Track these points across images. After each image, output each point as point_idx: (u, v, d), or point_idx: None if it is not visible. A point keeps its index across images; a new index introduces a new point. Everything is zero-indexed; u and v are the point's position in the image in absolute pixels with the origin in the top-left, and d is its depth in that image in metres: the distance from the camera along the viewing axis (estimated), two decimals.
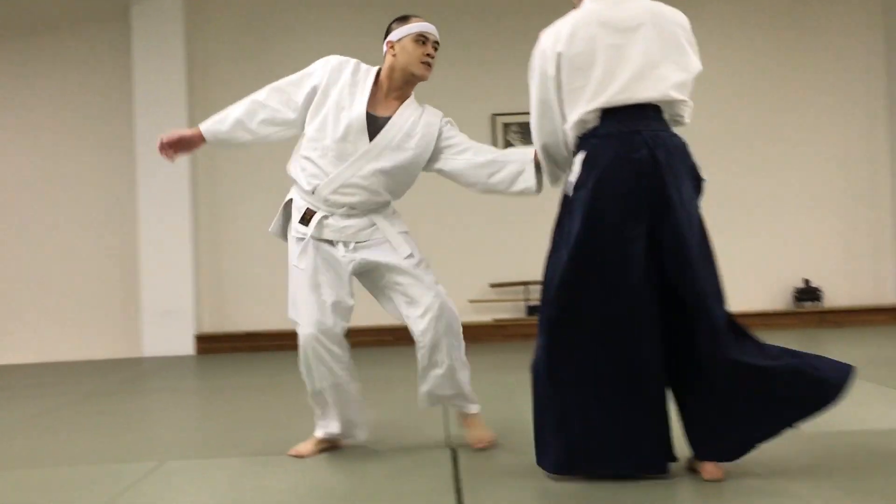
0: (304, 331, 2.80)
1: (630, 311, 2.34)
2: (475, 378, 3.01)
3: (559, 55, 2.42)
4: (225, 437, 3.47)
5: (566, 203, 2.47)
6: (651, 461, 2.36)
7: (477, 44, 6.76)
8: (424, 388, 2.94)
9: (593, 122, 2.40)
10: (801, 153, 7.10)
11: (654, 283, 2.35)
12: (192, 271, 6.74)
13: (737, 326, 2.39)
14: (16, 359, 6.75)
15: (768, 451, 2.40)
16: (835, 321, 6.83)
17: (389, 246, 2.86)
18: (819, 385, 2.31)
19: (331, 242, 2.85)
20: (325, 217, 2.84)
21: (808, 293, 6.91)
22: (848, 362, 2.37)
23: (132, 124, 6.77)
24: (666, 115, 2.42)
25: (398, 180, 2.87)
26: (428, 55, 2.84)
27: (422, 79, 2.87)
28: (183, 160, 6.65)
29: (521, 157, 2.81)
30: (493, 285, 6.92)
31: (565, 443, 2.42)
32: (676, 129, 2.47)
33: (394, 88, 2.87)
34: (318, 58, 7.07)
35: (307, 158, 2.86)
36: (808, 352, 2.41)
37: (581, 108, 2.40)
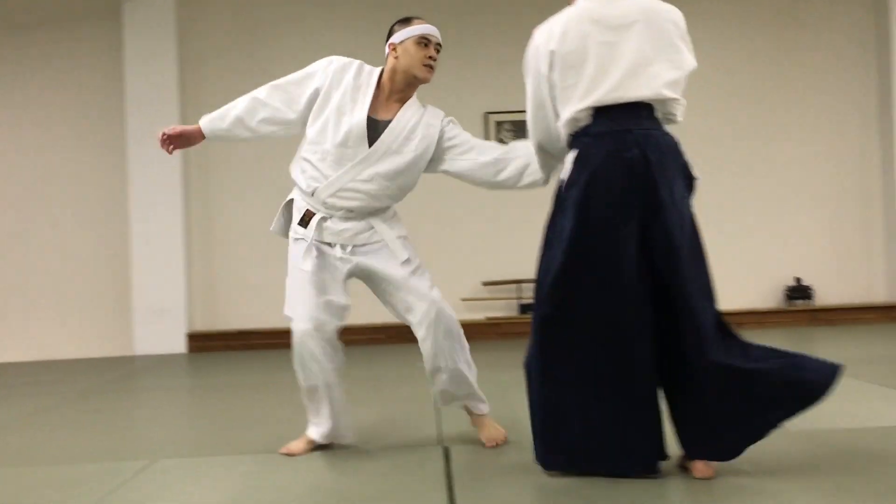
0: (298, 326, 2.81)
1: (622, 311, 2.34)
2: None
3: (552, 53, 2.42)
4: (217, 436, 3.47)
5: (558, 201, 2.47)
6: (642, 461, 2.36)
7: (470, 42, 6.76)
8: (435, 389, 2.97)
9: (585, 120, 2.40)
10: (793, 152, 7.13)
11: (647, 282, 2.35)
12: (184, 269, 6.73)
13: (724, 326, 2.39)
14: (7, 357, 6.73)
15: (759, 449, 2.41)
16: (826, 319, 6.86)
17: (387, 250, 2.85)
18: (803, 386, 2.31)
19: (329, 244, 2.85)
20: (324, 219, 2.84)
21: (799, 291, 6.93)
22: (835, 361, 2.37)
23: (124, 122, 6.75)
24: (658, 114, 2.42)
25: (398, 183, 2.85)
26: (430, 58, 2.83)
27: (423, 81, 2.85)
28: (175, 158, 6.65)
29: (526, 150, 2.81)
30: (486, 283, 6.92)
31: (557, 441, 2.44)
32: (669, 128, 2.47)
33: (395, 91, 2.86)
34: (310, 55, 7.04)
35: (307, 161, 2.86)
36: (795, 351, 2.40)
37: (573, 107, 2.40)
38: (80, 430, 3.68)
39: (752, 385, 2.30)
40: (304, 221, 2.86)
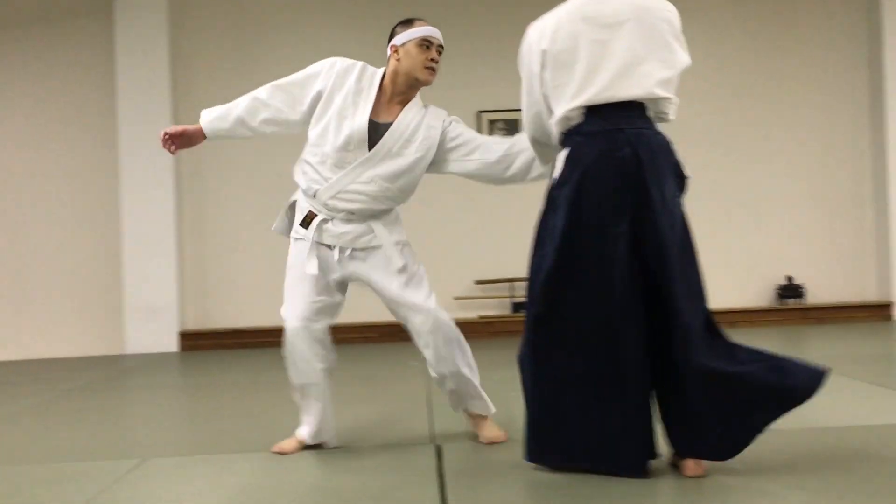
0: (290, 324, 2.82)
1: (612, 311, 2.34)
2: None
3: (544, 52, 2.43)
4: (209, 435, 3.47)
5: (550, 200, 2.47)
6: (631, 461, 2.36)
7: (463, 40, 6.75)
8: (444, 393, 2.99)
9: (577, 119, 2.41)
10: (785, 151, 7.15)
11: (638, 282, 2.35)
12: (176, 268, 6.71)
13: (713, 326, 2.39)
14: None
15: (749, 447, 2.42)
16: (817, 318, 6.89)
17: (383, 258, 2.84)
18: (787, 391, 2.31)
19: (328, 246, 2.85)
20: (325, 221, 2.83)
21: (791, 290, 6.96)
22: (821, 366, 2.36)
23: (115, 120, 6.72)
24: (650, 113, 2.42)
25: (399, 185, 2.84)
26: (432, 60, 2.81)
27: (425, 84, 2.84)
28: (167, 156, 6.61)
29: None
30: (479, 282, 6.92)
31: (549, 437, 2.45)
32: (661, 126, 2.47)
33: (397, 93, 2.84)
34: (302, 51, 7.08)
35: (308, 163, 2.86)
36: (780, 354, 2.39)
37: (565, 105, 2.40)
38: (71, 428, 3.66)
39: (736, 388, 2.30)
40: (306, 222, 2.85)
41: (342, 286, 2.92)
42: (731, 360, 2.34)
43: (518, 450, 2.65)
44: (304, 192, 2.89)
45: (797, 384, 2.32)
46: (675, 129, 2.58)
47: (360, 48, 6.96)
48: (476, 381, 2.95)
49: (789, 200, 7.13)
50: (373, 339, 6.56)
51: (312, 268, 2.81)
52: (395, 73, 2.83)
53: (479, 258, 6.90)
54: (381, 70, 2.88)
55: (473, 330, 6.95)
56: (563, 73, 2.40)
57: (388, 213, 2.90)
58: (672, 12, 2.42)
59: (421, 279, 2.87)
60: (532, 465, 2.54)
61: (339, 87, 2.82)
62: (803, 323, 6.84)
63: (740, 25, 7.16)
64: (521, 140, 2.82)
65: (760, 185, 7.11)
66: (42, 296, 6.84)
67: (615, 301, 2.34)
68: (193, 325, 6.86)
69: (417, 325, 2.83)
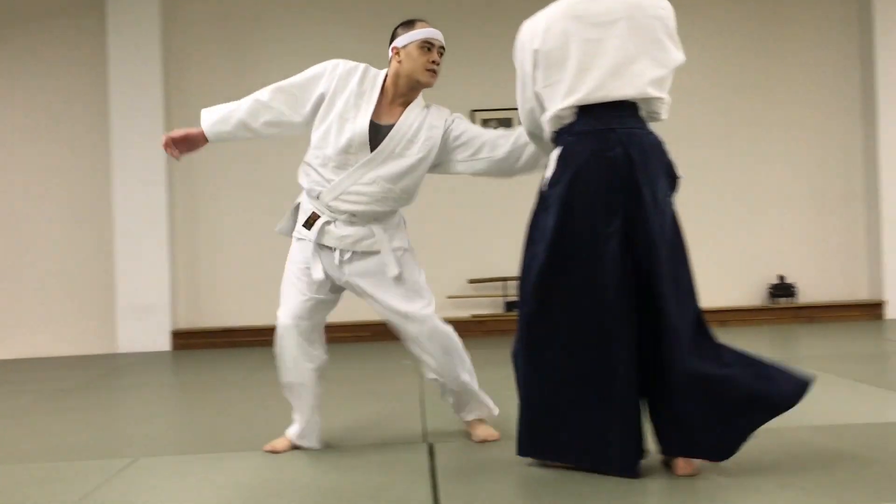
0: (281, 321, 2.83)
1: (603, 310, 2.34)
2: None
3: (535, 52, 2.43)
4: (200, 433, 3.46)
5: (542, 199, 2.48)
6: (621, 462, 2.36)
7: (456, 39, 6.73)
8: (444, 400, 3.01)
9: (569, 118, 2.41)
10: (777, 151, 7.17)
11: (629, 282, 2.35)
12: (167, 267, 6.69)
13: (702, 326, 2.38)
14: None
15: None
16: (809, 317, 6.91)
17: (380, 262, 2.83)
18: (771, 399, 2.30)
19: (329, 248, 2.85)
20: (328, 223, 2.83)
21: (782, 289, 6.98)
22: (806, 374, 2.36)
23: (107, 118, 6.70)
24: (642, 112, 2.42)
25: (402, 185, 2.83)
26: (433, 62, 2.81)
27: (427, 86, 2.84)
28: (157, 154, 6.60)
29: None
30: (472, 281, 6.92)
31: (541, 434, 2.46)
32: (654, 125, 2.47)
33: (399, 94, 2.84)
34: (294, 48, 7.03)
35: (310, 165, 2.86)
36: (767, 360, 2.39)
37: (557, 104, 2.41)
38: (62, 427, 3.65)
39: (722, 393, 2.29)
40: (309, 224, 2.86)
41: (338, 287, 2.92)
42: (718, 362, 2.34)
43: (511, 448, 2.66)
44: (308, 193, 2.89)
45: (782, 392, 2.31)
46: (668, 129, 2.58)
47: (352, 44, 6.93)
48: (476, 387, 2.97)
49: (781, 200, 7.15)
50: (365, 339, 6.55)
51: (318, 272, 2.81)
52: (397, 75, 2.82)
53: (472, 257, 6.91)
54: (384, 72, 2.87)
55: (466, 329, 6.95)
56: (554, 72, 2.41)
57: (391, 217, 2.90)
58: (666, 10, 2.41)
59: (419, 288, 2.86)
60: (524, 461, 2.55)
61: (342, 90, 2.81)
62: (795, 322, 6.86)
63: (731, 24, 7.18)
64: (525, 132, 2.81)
65: (752, 185, 7.13)
66: (34, 294, 6.81)
67: (606, 301, 2.34)
68: (185, 324, 6.85)
69: (413, 333, 2.84)
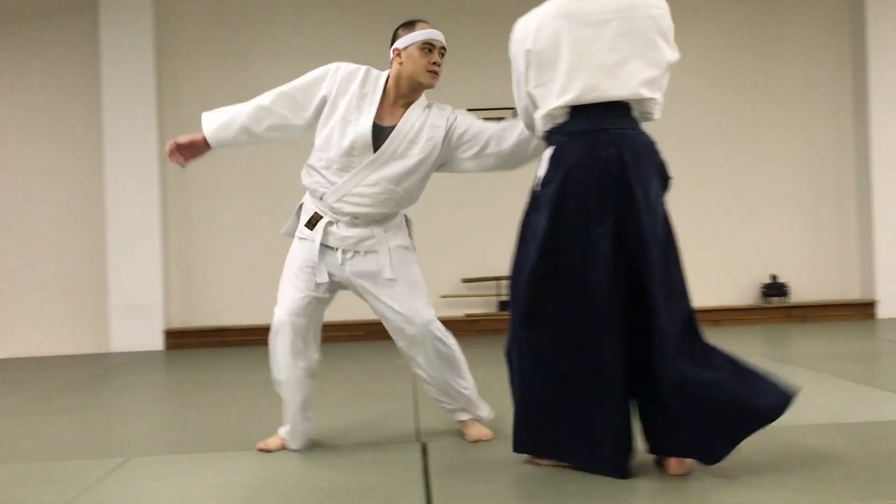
0: (279, 317, 2.83)
1: (594, 310, 2.34)
2: None
3: (527, 52, 2.43)
4: (193, 433, 3.45)
5: (534, 198, 2.48)
6: (612, 462, 2.36)
7: (452, 39, 6.74)
8: (438, 406, 3.01)
9: (562, 117, 2.41)
10: (770, 151, 7.19)
11: (620, 282, 2.36)
12: (160, 266, 6.67)
13: (692, 327, 2.38)
14: None
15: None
16: (801, 316, 6.93)
17: (378, 262, 2.84)
18: (754, 412, 2.30)
19: (331, 248, 2.86)
20: (331, 223, 2.84)
21: (775, 289, 7.00)
22: (791, 386, 2.36)
23: (100, 117, 6.68)
24: (635, 113, 2.42)
25: (405, 186, 2.83)
26: (434, 63, 2.81)
27: (428, 87, 2.84)
28: (150, 153, 6.60)
29: None
30: (465, 280, 6.93)
31: (535, 432, 2.47)
32: (647, 125, 2.47)
33: (401, 96, 2.84)
34: (287, 48, 7.00)
35: (313, 168, 2.87)
36: (753, 368, 2.38)
37: (550, 104, 2.41)
38: (55, 427, 3.64)
39: (708, 398, 2.29)
40: (311, 224, 2.86)
41: (336, 286, 2.92)
42: (706, 366, 2.33)
43: (504, 448, 2.66)
44: (311, 193, 2.89)
45: (766, 403, 2.30)
46: (662, 129, 2.59)
47: (347, 43, 6.92)
48: (468, 393, 2.96)
49: (774, 200, 7.18)
50: (359, 338, 6.55)
51: (322, 276, 2.81)
52: (398, 77, 2.82)
53: (466, 256, 6.91)
54: (385, 73, 2.87)
55: (460, 328, 6.97)
56: (546, 71, 2.41)
57: (393, 218, 2.90)
58: (659, 8, 2.39)
59: (416, 288, 2.86)
60: (517, 460, 2.56)
61: (344, 92, 2.81)
62: (787, 321, 6.88)
63: (724, 25, 7.20)
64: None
65: (745, 185, 7.15)
66: (27, 294, 6.79)
67: (597, 301, 2.34)
68: (178, 323, 6.84)
69: (411, 334, 2.83)
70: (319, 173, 2.83)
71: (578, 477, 2.39)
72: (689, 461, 2.38)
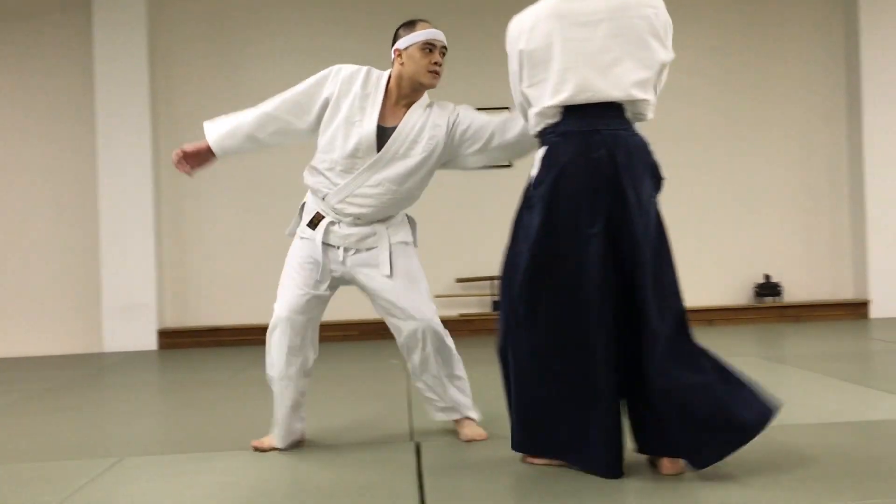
0: (278, 314, 2.83)
1: (585, 311, 2.35)
2: None
3: (520, 53, 2.44)
4: (186, 433, 3.45)
5: (526, 198, 2.48)
6: (603, 461, 2.36)
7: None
8: (426, 404, 3.00)
9: (555, 117, 2.41)
10: (763, 151, 7.20)
11: (612, 283, 2.36)
12: (154, 266, 6.65)
13: (683, 329, 2.38)
14: None
15: None
16: (794, 316, 6.95)
17: (379, 258, 2.85)
18: (737, 426, 2.29)
19: (333, 246, 2.86)
20: (332, 223, 2.85)
21: (768, 288, 7.02)
22: (774, 401, 2.36)
23: (93, 116, 6.66)
24: (628, 113, 2.42)
25: (407, 186, 2.84)
26: (435, 63, 2.81)
27: (430, 87, 2.84)
28: (144, 152, 6.58)
29: None
30: (459, 280, 6.93)
31: (532, 431, 2.47)
32: (641, 125, 2.47)
33: (403, 96, 2.84)
34: (283, 48, 6.98)
35: (316, 169, 2.87)
36: (740, 377, 2.38)
37: (543, 103, 2.41)
38: (47, 427, 3.63)
39: (695, 405, 2.29)
40: (313, 223, 2.87)
41: (335, 285, 2.92)
42: (695, 371, 2.32)
43: (497, 447, 2.67)
44: (314, 193, 2.90)
45: (750, 417, 2.30)
46: (655, 129, 2.59)
47: (342, 43, 6.90)
48: (458, 391, 2.96)
49: (767, 199, 7.19)
50: (353, 338, 6.55)
51: (325, 275, 2.83)
52: (400, 77, 2.82)
53: (460, 256, 6.91)
54: (387, 73, 2.87)
55: (454, 328, 6.90)
56: (539, 71, 2.41)
57: (394, 217, 2.92)
58: (653, 8, 2.38)
59: (417, 284, 2.87)
60: (510, 460, 2.56)
61: (346, 94, 2.82)
62: (780, 321, 6.90)
63: (719, 26, 7.21)
64: None
65: (739, 184, 7.17)
66: (19, 293, 6.76)
67: (588, 301, 2.34)
68: (172, 323, 6.82)
69: (410, 330, 2.84)
70: (323, 175, 2.84)
71: (571, 476, 2.39)
72: (682, 461, 2.38)
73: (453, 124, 2.85)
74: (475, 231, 6.85)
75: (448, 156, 2.88)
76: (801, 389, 3.79)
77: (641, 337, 2.33)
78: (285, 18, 6.97)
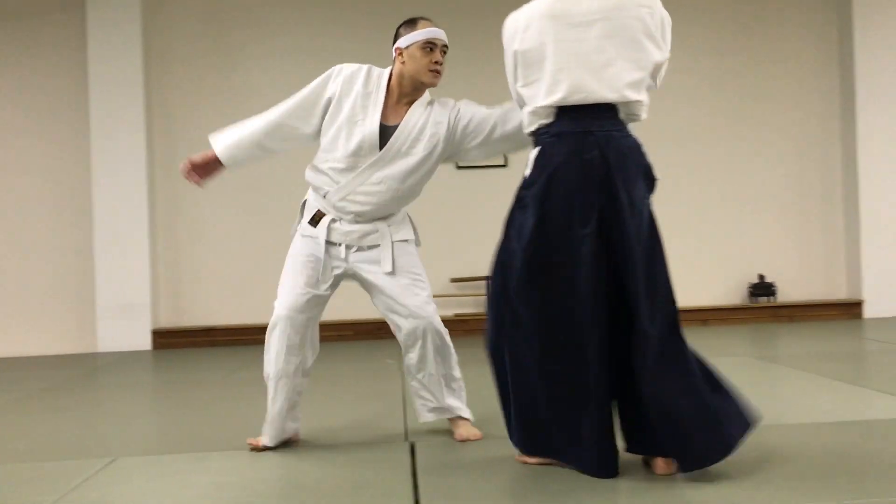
0: (278, 312, 2.84)
1: (578, 312, 2.35)
2: None
3: (515, 53, 2.45)
4: (180, 432, 3.44)
5: (519, 198, 2.48)
6: (596, 461, 2.36)
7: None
8: (417, 403, 2.99)
9: (548, 117, 2.41)
10: (757, 151, 7.22)
11: (604, 284, 2.36)
12: (149, 265, 6.64)
13: (675, 330, 2.37)
14: None
15: None
16: (788, 316, 6.97)
17: (381, 255, 2.86)
18: (719, 439, 2.30)
19: (335, 243, 2.87)
20: (334, 221, 2.86)
21: (762, 288, 7.03)
22: (753, 414, 2.37)
23: (88, 117, 6.64)
24: (622, 114, 2.42)
25: (409, 183, 2.85)
26: (436, 62, 2.81)
27: (431, 86, 2.85)
28: (138, 152, 6.57)
29: None
30: (454, 280, 6.93)
31: (533, 430, 2.48)
32: (635, 125, 2.48)
33: (404, 94, 2.85)
34: (278, 48, 6.98)
35: (318, 167, 2.88)
36: (724, 386, 2.39)
37: (537, 102, 2.41)
38: (42, 427, 3.62)
39: (681, 414, 2.29)
40: (314, 221, 2.88)
41: (336, 283, 2.92)
42: (684, 374, 2.33)
43: (491, 447, 2.67)
44: (316, 190, 2.91)
45: (732, 431, 2.31)
46: (649, 129, 2.59)
47: (338, 42, 6.89)
48: (452, 392, 2.96)
49: (761, 200, 7.21)
50: (348, 338, 6.54)
51: (327, 274, 2.84)
52: (401, 76, 2.83)
53: (455, 256, 6.91)
54: (387, 71, 2.88)
55: (449, 328, 6.88)
56: (533, 71, 2.42)
57: (396, 214, 2.93)
58: (648, 7, 2.37)
59: (417, 282, 2.89)
60: (506, 458, 2.57)
61: (348, 93, 2.83)
62: (774, 321, 6.92)
63: (713, 26, 7.22)
64: None
65: (733, 185, 7.18)
66: (13, 293, 6.74)
67: (581, 302, 2.35)
68: (166, 323, 6.81)
69: (411, 328, 2.85)
70: (325, 173, 2.86)
71: (565, 475, 2.39)
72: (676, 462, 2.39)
73: (454, 121, 2.86)
74: (470, 231, 6.85)
75: (450, 151, 2.90)
76: (794, 389, 3.80)
77: (632, 338, 2.34)
78: (281, 18, 6.96)
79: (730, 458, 2.35)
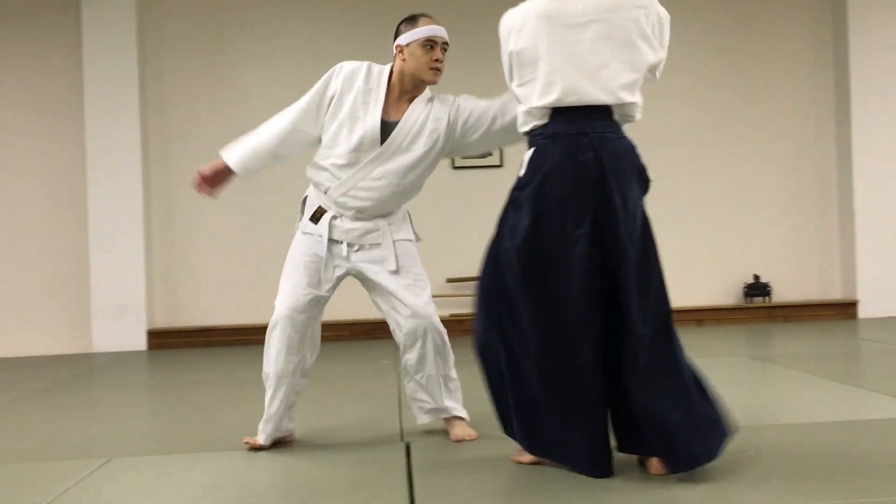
0: (279, 311, 2.84)
1: (570, 312, 2.35)
2: None
3: (510, 54, 2.45)
4: (176, 433, 3.44)
5: (513, 199, 2.49)
6: (590, 462, 2.37)
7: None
8: (414, 406, 3.00)
9: (543, 118, 2.41)
10: (753, 152, 7.23)
11: (598, 285, 2.36)
12: (144, 265, 6.63)
13: (668, 331, 2.38)
14: None
15: None
16: (783, 316, 6.98)
17: (382, 254, 2.86)
18: (703, 448, 2.31)
19: (337, 241, 2.87)
20: (335, 217, 2.86)
21: (757, 288, 7.04)
22: (731, 424, 2.38)
23: (82, 116, 6.62)
24: (616, 116, 2.42)
25: (409, 179, 2.87)
26: (437, 60, 2.82)
27: (431, 83, 2.86)
28: (133, 152, 6.56)
29: None
30: (450, 280, 6.93)
31: (533, 430, 2.47)
32: (630, 126, 2.48)
33: (405, 91, 2.86)
34: (274, 48, 6.98)
35: (319, 164, 2.88)
36: (711, 396, 2.40)
37: (531, 103, 2.42)
38: (36, 427, 3.62)
39: (668, 418, 2.30)
40: (315, 218, 2.88)
41: (338, 283, 2.93)
42: (673, 377, 2.34)
43: (487, 447, 2.68)
44: (317, 187, 2.91)
45: (711, 441, 2.33)
46: (643, 129, 2.60)
47: (335, 41, 6.88)
48: (449, 392, 2.97)
49: (757, 200, 7.22)
50: (344, 338, 6.54)
51: (329, 274, 2.85)
52: (402, 73, 2.84)
53: (451, 257, 6.90)
54: (387, 68, 2.89)
55: (446, 328, 6.93)
56: (527, 71, 2.42)
57: (397, 212, 2.94)
58: (643, 8, 2.37)
59: (418, 281, 2.90)
60: (501, 457, 2.57)
61: (349, 90, 2.84)
62: (769, 321, 6.93)
63: (708, 26, 7.23)
64: None
65: (728, 185, 7.19)
66: (7, 293, 6.73)
67: (575, 302, 2.35)
68: (161, 323, 6.80)
69: (411, 327, 2.85)
70: (326, 170, 2.86)
71: (559, 475, 2.40)
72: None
73: (455, 117, 2.88)
74: (466, 232, 6.85)
75: (451, 146, 2.92)
76: (789, 389, 3.81)
77: (623, 339, 2.34)
78: (276, 17, 6.95)
79: (725, 457, 2.36)
